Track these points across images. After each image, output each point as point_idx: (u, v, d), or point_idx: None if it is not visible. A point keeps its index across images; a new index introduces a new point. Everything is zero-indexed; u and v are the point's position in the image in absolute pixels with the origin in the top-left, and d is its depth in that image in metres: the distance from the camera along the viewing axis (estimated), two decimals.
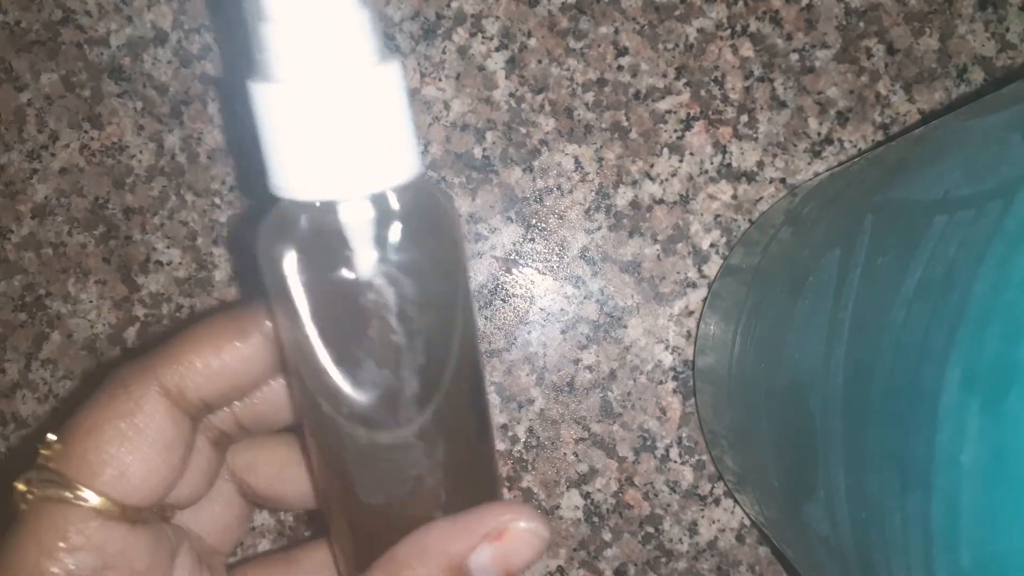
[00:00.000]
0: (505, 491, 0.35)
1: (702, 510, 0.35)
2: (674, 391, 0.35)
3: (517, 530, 0.20)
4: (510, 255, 0.35)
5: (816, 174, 0.34)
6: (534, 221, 0.34)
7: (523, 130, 0.34)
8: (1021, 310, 0.15)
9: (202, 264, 0.35)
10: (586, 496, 0.35)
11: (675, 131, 0.34)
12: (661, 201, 0.34)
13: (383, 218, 0.19)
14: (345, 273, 0.19)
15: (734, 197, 0.34)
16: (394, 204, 0.19)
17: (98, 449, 0.21)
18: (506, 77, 0.34)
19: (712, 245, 0.34)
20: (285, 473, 0.25)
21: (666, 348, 0.34)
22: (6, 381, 0.35)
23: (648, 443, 0.35)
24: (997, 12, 0.33)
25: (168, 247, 0.35)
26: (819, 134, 0.34)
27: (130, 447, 0.21)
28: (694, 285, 0.34)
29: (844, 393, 0.20)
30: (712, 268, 0.34)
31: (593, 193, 0.34)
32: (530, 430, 0.35)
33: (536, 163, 0.34)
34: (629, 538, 0.35)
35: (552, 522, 0.35)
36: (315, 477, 0.24)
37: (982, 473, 0.15)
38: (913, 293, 0.17)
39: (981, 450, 0.15)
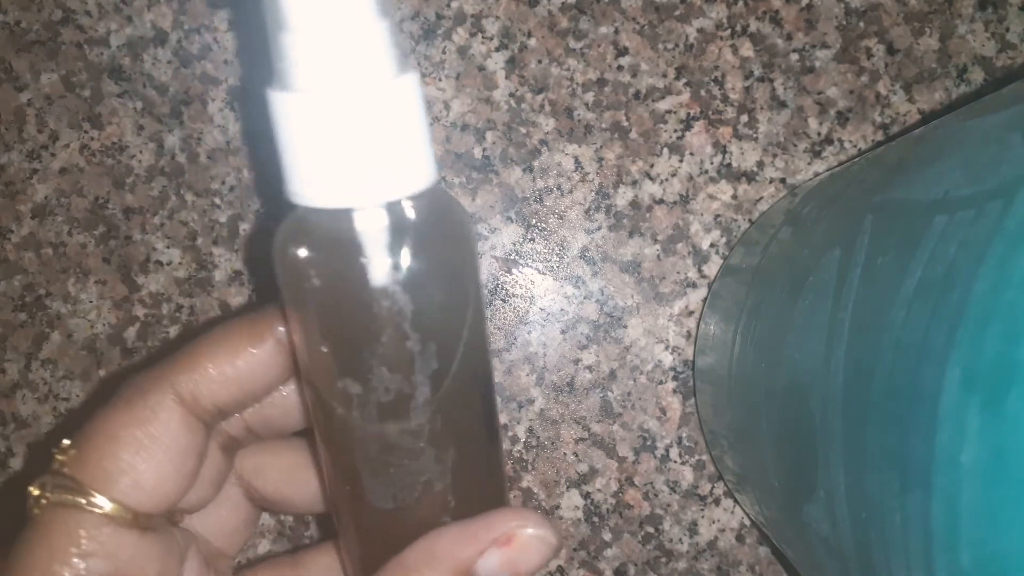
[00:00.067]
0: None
1: (702, 510, 0.35)
2: (674, 391, 0.35)
3: (525, 536, 0.21)
4: (510, 255, 0.35)
5: (816, 174, 0.34)
6: (534, 221, 0.34)
7: (523, 130, 0.34)
8: (1021, 310, 0.15)
9: (202, 264, 0.35)
10: (586, 496, 0.35)
11: (675, 131, 0.34)
12: (661, 201, 0.34)
13: (398, 226, 0.19)
14: (359, 280, 0.19)
15: (734, 197, 0.34)
16: (409, 212, 0.19)
17: (114, 456, 0.21)
18: (506, 77, 0.34)
19: (712, 245, 0.34)
20: (294, 477, 0.25)
21: (666, 348, 0.34)
22: (6, 381, 0.35)
23: (648, 443, 0.35)
24: (997, 12, 0.33)
25: (168, 247, 0.35)
26: (819, 134, 0.34)
27: (145, 455, 0.21)
28: (694, 285, 0.34)
29: (844, 393, 0.20)
30: (712, 268, 0.34)
31: (593, 193, 0.34)
32: (530, 430, 0.35)
33: (536, 163, 0.34)
34: (629, 538, 0.35)
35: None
36: (325, 481, 0.24)
37: (982, 473, 0.15)
38: (913, 293, 0.17)
39: (981, 450, 0.15)
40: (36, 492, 0.21)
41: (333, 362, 0.20)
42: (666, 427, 0.35)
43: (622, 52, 0.34)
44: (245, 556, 0.36)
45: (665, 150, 0.34)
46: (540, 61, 0.34)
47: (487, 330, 0.22)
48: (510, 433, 0.35)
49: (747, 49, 0.34)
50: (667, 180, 0.34)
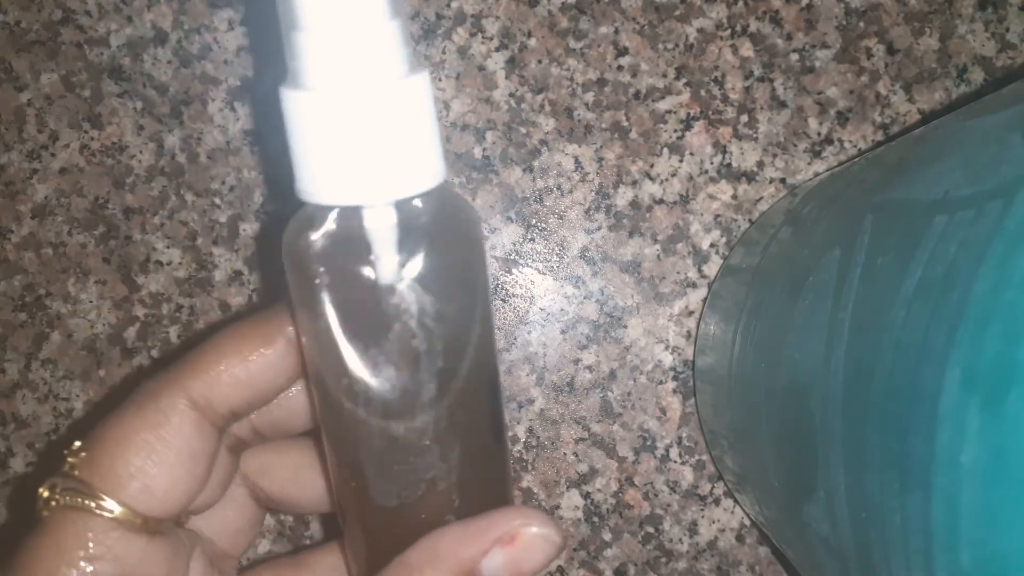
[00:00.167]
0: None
1: (702, 510, 0.35)
2: (674, 391, 0.35)
3: (529, 535, 0.21)
4: (510, 255, 0.35)
5: (816, 174, 0.34)
6: (534, 221, 0.34)
7: (523, 130, 0.34)
8: (1021, 310, 0.15)
9: (202, 264, 0.35)
10: (586, 496, 0.35)
11: (675, 131, 0.34)
12: (661, 201, 0.34)
13: (407, 224, 0.19)
14: (368, 277, 0.19)
15: (734, 197, 0.34)
16: (418, 210, 0.19)
17: (125, 460, 0.21)
18: (506, 77, 0.34)
19: (712, 245, 0.34)
20: (300, 477, 0.25)
21: (666, 348, 0.34)
22: (6, 381, 0.35)
23: (648, 443, 0.35)
24: (997, 12, 0.33)
25: (168, 247, 0.35)
26: (819, 134, 0.34)
27: (156, 459, 0.21)
28: (694, 285, 0.34)
29: (844, 393, 0.20)
30: (712, 268, 0.34)
31: (593, 193, 0.34)
32: (530, 430, 0.35)
33: (536, 163, 0.34)
34: (629, 538, 0.35)
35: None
36: (331, 480, 0.24)
37: (982, 473, 0.15)
38: (913, 293, 0.17)
39: (981, 450, 0.15)
40: (46, 494, 0.21)
41: (340, 359, 0.20)
42: (666, 427, 0.35)
43: (622, 52, 0.34)
44: (246, 557, 0.36)
45: (665, 150, 0.34)
46: (540, 61, 0.34)
47: (494, 327, 0.22)
48: (510, 433, 0.35)
49: (747, 49, 0.34)
50: (667, 180, 0.34)
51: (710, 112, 0.34)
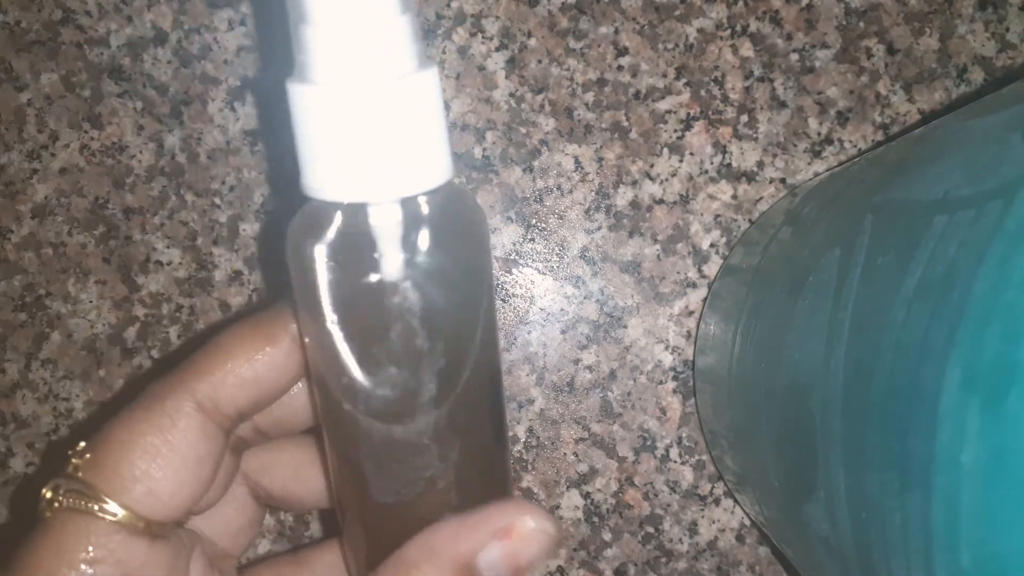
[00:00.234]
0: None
1: (702, 510, 0.35)
2: (674, 391, 0.35)
3: (525, 528, 0.20)
4: (510, 255, 0.35)
5: (816, 174, 0.34)
6: (534, 221, 0.34)
7: (523, 130, 0.34)
8: (1021, 310, 0.15)
9: (202, 264, 0.35)
10: (586, 496, 0.35)
11: (675, 131, 0.34)
12: (661, 201, 0.34)
13: (412, 222, 0.19)
14: (372, 275, 0.19)
15: (734, 197, 0.34)
16: (424, 208, 0.19)
17: (130, 464, 0.21)
18: (506, 77, 0.34)
19: (712, 245, 0.34)
20: (301, 474, 0.25)
21: (666, 348, 0.34)
22: (6, 381, 0.35)
23: (648, 443, 0.35)
24: (997, 12, 0.33)
25: (168, 247, 0.35)
26: (819, 134, 0.34)
27: (161, 463, 0.21)
28: (694, 285, 0.34)
29: (844, 393, 0.20)
30: (712, 268, 0.34)
31: (593, 193, 0.34)
32: (530, 430, 0.35)
33: (536, 163, 0.34)
34: (629, 538, 0.35)
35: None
36: (330, 477, 0.24)
37: (982, 473, 0.15)
38: (913, 293, 0.17)
39: (981, 450, 0.15)
40: (49, 495, 0.21)
41: (343, 357, 0.20)
42: (666, 427, 0.35)
43: (622, 52, 0.34)
44: (245, 556, 0.36)
45: (665, 150, 0.34)
46: (540, 61, 0.34)
47: (497, 327, 0.22)
48: (510, 433, 0.35)
49: (747, 49, 0.34)
50: (667, 180, 0.34)
51: (710, 112, 0.34)
